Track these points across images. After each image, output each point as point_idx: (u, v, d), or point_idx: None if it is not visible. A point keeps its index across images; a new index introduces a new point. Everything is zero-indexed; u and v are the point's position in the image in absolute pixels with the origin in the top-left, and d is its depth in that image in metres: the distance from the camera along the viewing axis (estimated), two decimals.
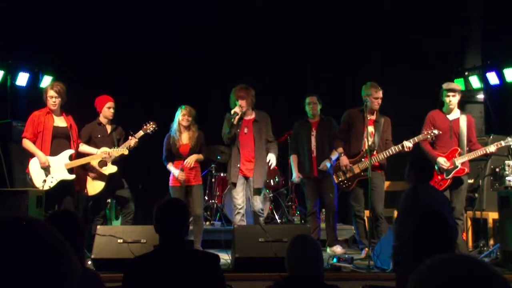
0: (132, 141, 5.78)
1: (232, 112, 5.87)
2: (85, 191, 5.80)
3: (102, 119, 5.97)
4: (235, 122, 5.86)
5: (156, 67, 8.22)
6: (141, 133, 5.86)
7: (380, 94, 5.90)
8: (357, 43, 8.12)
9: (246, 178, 5.96)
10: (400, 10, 7.73)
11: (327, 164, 6.13)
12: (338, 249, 6.06)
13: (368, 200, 5.51)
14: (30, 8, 7.36)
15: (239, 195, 5.92)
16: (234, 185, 5.95)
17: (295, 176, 6.37)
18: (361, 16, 8.07)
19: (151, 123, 5.92)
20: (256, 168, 5.92)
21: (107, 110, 5.92)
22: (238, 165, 5.91)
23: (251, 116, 6.03)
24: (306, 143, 6.31)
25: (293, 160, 6.45)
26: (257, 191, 5.94)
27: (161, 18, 8.20)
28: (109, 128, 6.00)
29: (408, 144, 5.71)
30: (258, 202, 5.92)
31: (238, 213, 5.90)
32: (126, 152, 5.75)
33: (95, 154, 5.73)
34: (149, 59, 8.18)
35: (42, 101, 5.59)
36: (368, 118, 5.85)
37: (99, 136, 5.92)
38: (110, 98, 5.97)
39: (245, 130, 5.96)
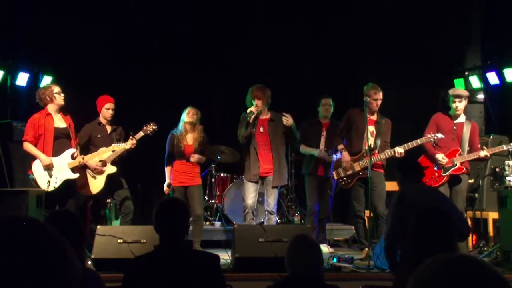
0: (129, 144, 5.75)
1: (248, 111, 5.92)
2: (85, 191, 5.80)
3: (101, 119, 5.97)
4: (251, 121, 5.89)
5: (156, 67, 8.22)
6: (141, 134, 5.85)
7: (379, 95, 5.91)
8: (357, 43, 8.12)
9: (262, 178, 5.98)
10: (400, 10, 7.73)
11: (333, 155, 6.14)
12: (324, 248, 6.08)
13: (368, 200, 5.52)
14: (30, 8, 7.36)
15: (251, 196, 5.95)
16: (256, 183, 5.95)
17: (318, 151, 6.29)
18: (361, 16, 8.07)
19: (152, 124, 5.92)
20: (275, 168, 5.92)
21: (105, 111, 5.92)
22: (258, 164, 5.92)
23: (266, 115, 6.05)
24: (315, 141, 6.38)
25: (303, 147, 6.42)
26: (274, 190, 5.94)
27: (161, 18, 8.20)
28: (109, 128, 6.00)
29: (399, 150, 5.71)
30: (272, 201, 5.94)
31: (248, 213, 5.96)
32: (127, 147, 5.73)
33: (96, 152, 5.73)
34: (149, 59, 8.18)
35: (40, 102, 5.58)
36: (369, 118, 5.87)
37: (98, 136, 5.92)
38: (110, 99, 5.97)
39: (261, 129, 5.99)
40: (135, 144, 5.78)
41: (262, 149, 5.97)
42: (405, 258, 3.49)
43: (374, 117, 6.00)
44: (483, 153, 5.66)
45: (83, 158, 5.59)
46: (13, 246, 0.85)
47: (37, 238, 0.89)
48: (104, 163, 5.79)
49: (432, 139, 5.72)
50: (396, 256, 4.02)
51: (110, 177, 5.82)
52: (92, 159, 5.72)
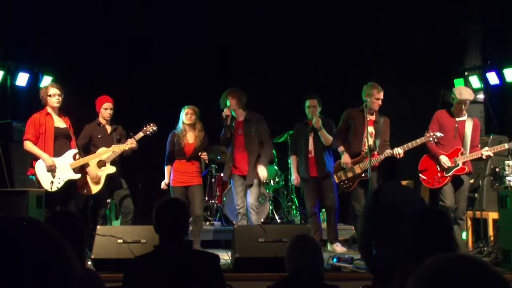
0: (128, 144, 5.74)
1: (223, 115, 5.97)
2: (85, 191, 5.80)
3: (100, 119, 5.97)
4: (228, 123, 5.96)
5: (156, 68, 8.22)
6: (140, 134, 5.86)
7: (381, 94, 5.89)
8: (357, 43, 8.11)
9: (244, 177, 6.00)
10: (400, 10, 7.73)
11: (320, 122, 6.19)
12: (338, 247, 6.07)
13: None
14: (30, 8, 7.36)
15: (238, 195, 6.01)
16: (240, 182, 6.03)
17: (294, 178, 6.43)
18: (361, 16, 8.07)
19: (151, 124, 5.92)
20: (249, 168, 5.97)
21: (104, 111, 5.92)
22: (231, 165, 6.04)
23: (242, 117, 6.08)
24: (304, 144, 6.33)
25: (292, 161, 6.52)
26: (250, 187, 5.97)
27: (162, 18, 8.19)
28: (108, 128, 6.00)
29: (398, 151, 5.70)
30: (250, 197, 5.95)
31: (239, 213, 6.02)
32: (126, 147, 5.74)
33: (97, 153, 5.73)
34: (149, 60, 8.18)
35: (41, 102, 5.58)
36: (368, 119, 5.85)
37: (99, 136, 5.92)
38: (109, 99, 5.97)
39: (239, 132, 6.06)
40: (135, 143, 5.78)
41: (240, 151, 6.03)
42: (391, 258, 3.49)
43: (372, 117, 5.98)
44: (485, 153, 5.65)
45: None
46: (13, 246, 0.85)
47: (37, 238, 0.88)
48: (103, 163, 5.79)
49: (431, 138, 5.71)
50: (372, 255, 4.08)
51: (109, 177, 5.81)
52: (93, 169, 5.71)
